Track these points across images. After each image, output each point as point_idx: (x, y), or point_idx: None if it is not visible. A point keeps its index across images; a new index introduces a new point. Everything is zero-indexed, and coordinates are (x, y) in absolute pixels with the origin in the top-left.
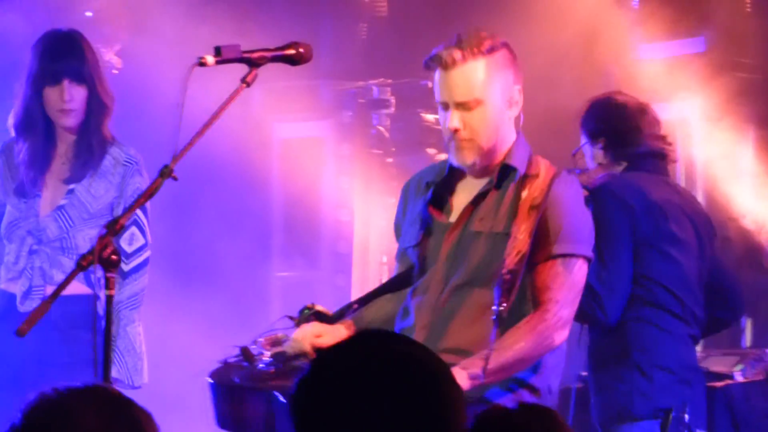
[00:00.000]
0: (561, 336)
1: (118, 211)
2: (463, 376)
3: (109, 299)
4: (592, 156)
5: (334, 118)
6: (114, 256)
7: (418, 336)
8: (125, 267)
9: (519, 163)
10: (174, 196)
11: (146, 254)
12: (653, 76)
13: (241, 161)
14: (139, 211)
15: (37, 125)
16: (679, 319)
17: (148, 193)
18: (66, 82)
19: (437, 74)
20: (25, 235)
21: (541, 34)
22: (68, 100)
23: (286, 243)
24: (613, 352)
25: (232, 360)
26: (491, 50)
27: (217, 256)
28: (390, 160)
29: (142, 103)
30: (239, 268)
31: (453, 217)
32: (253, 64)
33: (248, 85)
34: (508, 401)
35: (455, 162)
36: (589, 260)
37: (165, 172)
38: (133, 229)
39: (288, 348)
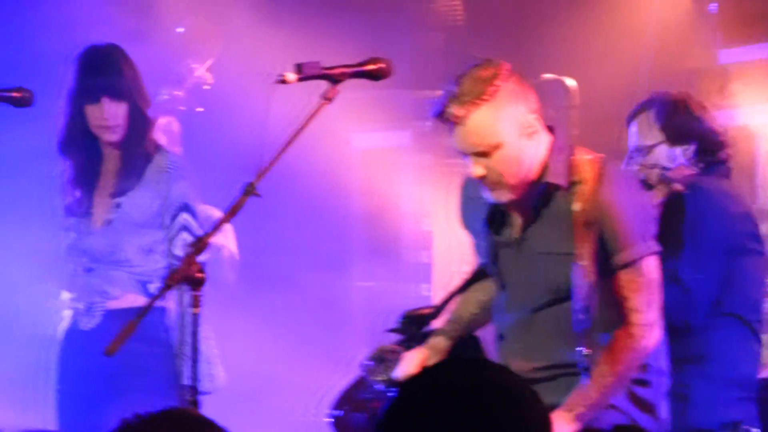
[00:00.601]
0: (653, 338)
1: (167, 220)
2: (569, 418)
3: (195, 318)
4: (670, 156)
5: (413, 127)
6: (199, 274)
7: (517, 358)
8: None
9: (559, 176)
10: (254, 208)
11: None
12: (733, 80)
13: (320, 172)
14: (189, 218)
15: (80, 143)
16: (754, 332)
17: (233, 211)
18: (105, 100)
19: (449, 127)
20: (80, 254)
21: (617, 40)
22: (108, 117)
23: (367, 253)
24: (685, 356)
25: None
26: (492, 93)
27: (298, 266)
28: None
29: (229, 118)
30: (320, 278)
31: (515, 232)
32: (334, 80)
33: (329, 101)
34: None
35: (491, 200)
36: (656, 252)
37: (249, 190)
38: (184, 234)
39: (397, 379)
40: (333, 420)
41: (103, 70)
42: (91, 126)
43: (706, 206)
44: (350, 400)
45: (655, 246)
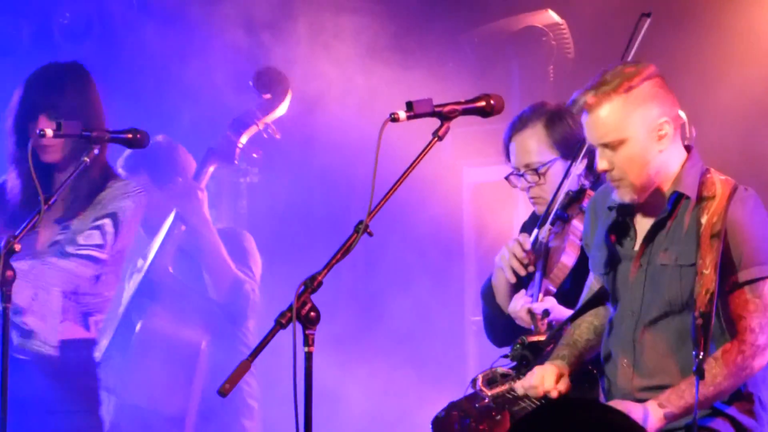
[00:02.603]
0: (761, 362)
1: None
2: (659, 416)
3: (309, 356)
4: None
5: None
6: (312, 313)
7: (623, 375)
8: (70, 249)
9: (689, 188)
10: (366, 242)
11: (94, 252)
12: None
13: (432, 206)
14: (109, 224)
15: (26, 161)
16: None
17: (344, 249)
18: (42, 117)
19: (582, 117)
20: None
21: (730, 69)
22: (41, 135)
23: (479, 287)
24: None
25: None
26: (629, 88)
27: (411, 300)
28: None
29: (342, 157)
30: (434, 312)
31: (637, 244)
32: (445, 117)
33: (440, 139)
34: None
35: (617, 199)
36: None
37: (360, 228)
38: (94, 232)
39: (517, 390)
40: (433, 420)
41: (47, 88)
42: (31, 143)
43: None
44: (455, 407)
45: None
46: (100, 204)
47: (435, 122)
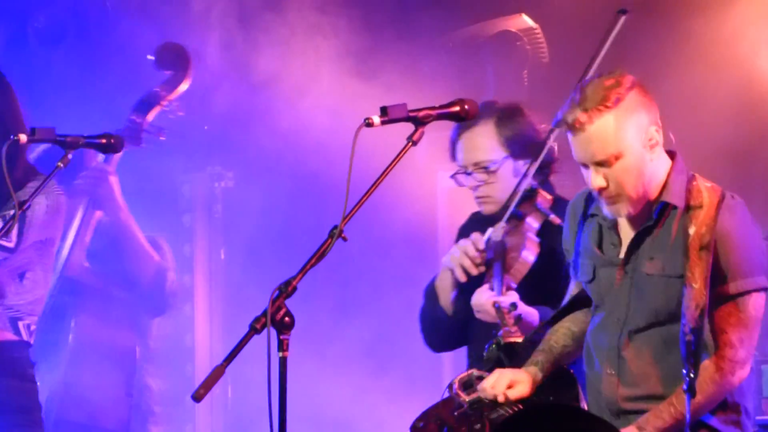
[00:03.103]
0: (741, 376)
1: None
2: None
3: (283, 360)
4: (516, 172)
5: None
6: (287, 318)
7: (608, 385)
8: None
9: (677, 197)
10: (343, 248)
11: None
12: None
13: (406, 211)
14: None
15: None
16: None
17: (319, 254)
18: None
19: (569, 136)
20: None
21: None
22: (15, 141)
23: None
24: None
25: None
26: (617, 100)
27: (384, 305)
28: None
29: (317, 161)
30: (407, 317)
31: (622, 252)
32: (419, 122)
33: (415, 144)
34: None
35: (609, 215)
36: (764, 289)
37: (335, 233)
38: None
39: (482, 394)
40: (411, 429)
41: None
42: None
43: None
44: (431, 415)
45: (763, 282)
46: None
47: (410, 126)
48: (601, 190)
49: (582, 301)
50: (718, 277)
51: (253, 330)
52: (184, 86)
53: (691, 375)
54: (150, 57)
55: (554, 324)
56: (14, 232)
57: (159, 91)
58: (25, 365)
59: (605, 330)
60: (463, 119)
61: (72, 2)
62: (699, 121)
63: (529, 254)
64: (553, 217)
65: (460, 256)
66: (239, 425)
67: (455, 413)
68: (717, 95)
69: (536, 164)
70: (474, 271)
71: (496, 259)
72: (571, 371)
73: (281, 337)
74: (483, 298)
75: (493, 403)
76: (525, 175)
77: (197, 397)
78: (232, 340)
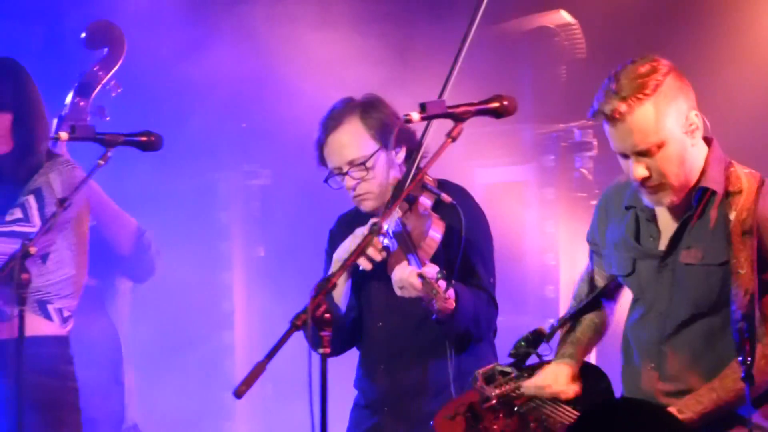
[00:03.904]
0: None
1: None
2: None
3: (324, 357)
4: (390, 163)
5: (536, 161)
6: (327, 315)
7: (647, 379)
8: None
9: (716, 182)
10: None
11: (19, 228)
12: None
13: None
14: (32, 199)
15: None
16: None
17: (359, 250)
18: None
19: (606, 126)
20: None
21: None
22: (56, 139)
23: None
24: None
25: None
26: (656, 87)
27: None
28: (594, 202)
29: None
30: None
31: (662, 244)
32: (458, 119)
33: (453, 140)
34: None
35: (651, 205)
36: None
37: (375, 229)
38: (16, 209)
39: (537, 393)
40: (435, 419)
41: None
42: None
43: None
44: (459, 406)
45: None
46: (29, 184)
47: (447, 123)
48: (643, 180)
49: (604, 294)
50: (761, 262)
51: (294, 327)
52: (119, 61)
53: (747, 362)
54: (82, 35)
55: (578, 316)
56: (36, 214)
57: (97, 70)
58: (60, 362)
59: (646, 324)
60: (502, 115)
61: (105, 5)
62: (735, 119)
63: (436, 232)
64: (444, 196)
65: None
66: (279, 422)
67: (484, 406)
68: (754, 93)
69: (400, 150)
70: (378, 257)
71: (402, 242)
72: (601, 369)
73: (321, 333)
74: (405, 273)
75: (528, 399)
76: (416, 162)
77: (238, 394)
78: (271, 337)
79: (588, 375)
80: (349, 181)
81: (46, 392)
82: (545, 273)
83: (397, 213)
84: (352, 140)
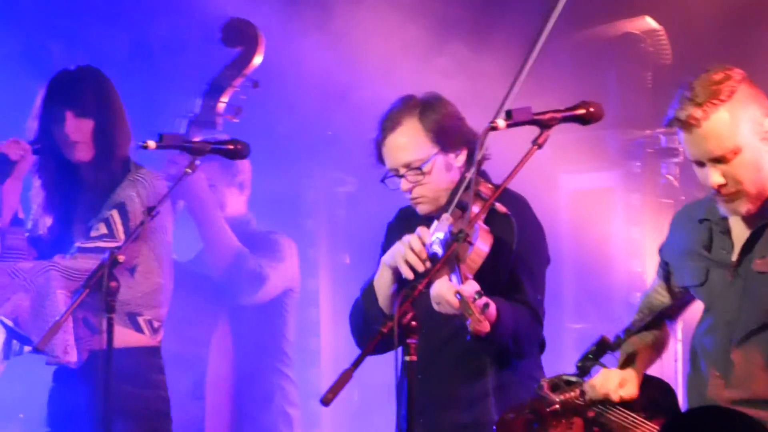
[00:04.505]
0: None
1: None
2: None
3: (411, 365)
4: (448, 166)
5: (622, 167)
6: (414, 322)
7: (714, 387)
8: (80, 244)
9: None
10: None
11: (104, 243)
12: None
13: None
14: (116, 214)
15: (51, 167)
16: None
17: (444, 258)
18: (68, 115)
19: (681, 134)
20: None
21: None
22: (70, 132)
23: (578, 294)
24: None
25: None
26: (730, 93)
27: None
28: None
29: None
30: None
31: (734, 254)
32: (544, 125)
33: (540, 147)
34: None
35: (727, 214)
36: None
37: (460, 236)
38: (100, 224)
39: (591, 394)
40: (498, 421)
41: (68, 90)
42: (59, 146)
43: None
44: (523, 409)
45: None
46: (111, 198)
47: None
48: (719, 188)
49: (665, 313)
50: None
51: (380, 334)
52: (256, 61)
53: None
54: (218, 35)
55: (639, 331)
56: (120, 229)
57: (229, 70)
58: (152, 371)
59: (714, 333)
60: (588, 122)
61: (193, 11)
62: None
63: (484, 244)
64: (499, 206)
65: (405, 252)
66: (365, 430)
67: (547, 410)
68: None
69: (462, 155)
70: (420, 267)
71: (448, 252)
72: (666, 381)
73: (408, 340)
74: (444, 288)
75: (586, 404)
76: (468, 168)
77: (326, 401)
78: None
79: (652, 386)
80: (404, 184)
81: (138, 402)
82: (631, 279)
83: (448, 219)
84: (409, 142)
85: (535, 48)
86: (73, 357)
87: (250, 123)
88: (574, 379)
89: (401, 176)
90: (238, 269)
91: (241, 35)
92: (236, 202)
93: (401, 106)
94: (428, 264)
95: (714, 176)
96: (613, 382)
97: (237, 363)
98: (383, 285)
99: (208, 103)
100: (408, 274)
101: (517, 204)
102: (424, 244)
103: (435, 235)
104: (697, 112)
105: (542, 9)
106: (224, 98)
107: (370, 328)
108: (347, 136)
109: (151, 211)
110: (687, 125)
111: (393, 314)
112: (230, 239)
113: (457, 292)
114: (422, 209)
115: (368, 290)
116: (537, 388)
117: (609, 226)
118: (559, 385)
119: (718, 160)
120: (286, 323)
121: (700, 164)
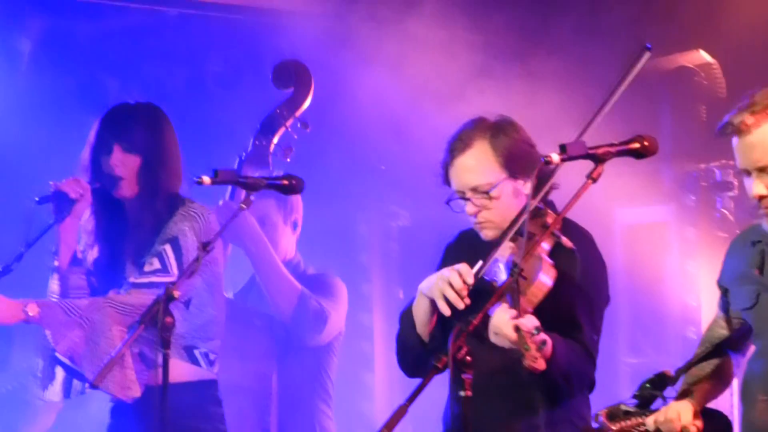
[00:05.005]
0: None
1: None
2: None
3: (466, 400)
4: (516, 192)
5: (677, 201)
6: (468, 357)
7: (760, 412)
8: (134, 279)
9: None
10: None
11: (158, 278)
12: None
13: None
14: (169, 249)
15: (99, 196)
16: None
17: (499, 293)
18: (116, 148)
19: (734, 141)
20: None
21: None
22: (115, 165)
23: (633, 329)
24: None
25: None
26: None
27: None
28: None
29: None
30: None
31: None
32: (599, 160)
33: (594, 181)
34: None
35: None
36: None
37: (515, 272)
38: (154, 259)
39: (664, 427)
40: None
41: (120, 123)
42: (106, 179)
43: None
44: None
45: None
46: (164, 232)
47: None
48: (761, 198)
49: (726, 344)
50: None
51: (435, 369)
52: (306, 103)
53: None
54: (270, 76)
55: (699, 363)
56: (174, 264)
57: (281, 111)
58: (209, 404)
59: (763, 357)
60: (643, 156)
61: (247, 46)
62: None
63: (547, 278)
64: (565, 240)
65: (443, 287)
66: None
67: None
68: None
69: (528, 183)
70: (460, 305)
71: (503, 286)
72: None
73: (463, 376)
74: (503, 320)
75: None
76: (535, 195)
77: None
78: (412, 379)
79: (708, 418)
80: (470, 207)
81: None
82: (686, 314)
83: (511, 248)
84: (478, 165)
85: (612, 97)
86: (135, 392)
87: (304, 157)
88: (632, 409)
89: (467, 199)
90: (305, 311)
91: (292, 77)
92: (289, 242)
93: (472, 127)
94: (467, 301)
95: (757, 186)
96: (688, 414)
97: (281, 399)
98: (420, 312)
99: (260, 143)
100: (445, 311)
101: (583, 240)
102: (465, 283)
103: (497, 263)
104: (749, 119)
105: (624, 60)
106: (275, 138)
107: (410, 354)
108: (401, 170)
109: (206, 246)
110: (738, 130)
111: (423, 340)
112: (291, 282)
113: (516, 326)
114: (487, 234)
115: (406, 315)
116: (594, 417)
117: (664, 260)
118: (617, 414)
119: (763, 170)
120: (331, 364)
121: (747, 173)
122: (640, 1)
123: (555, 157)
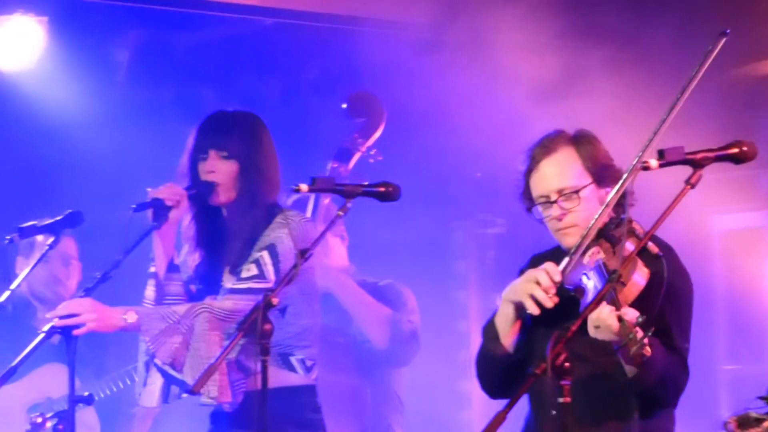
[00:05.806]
0: None
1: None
2: None
3: (565, 407)
4: (600, 201)
5: None
6: (567, 364)
7: None
8: (231, 285)
9: None
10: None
11: (255, 284)
12: None
13: (680, 255)
14: (266, 255)
15: (198, 202)
16: None
17: (599, 299)
18: (212, 153)
19: None
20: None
21: None
22: (211, 169)
23: (731, 335)
24: None
25: None
26: None
27: None
28: None
29: None
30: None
31: None
32: (697, 165)
33: (693, 186)
34: None
35: None
36: None
37: (613, 278)
38: (251, 265)
39: None
40: None
41: (217, 129)
42: (202, 184)
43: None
44: None
45: None
46: (261, 239)
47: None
48: None
49: None
50: None
51: (533, 375)
52: (380, 131)
53: None
54: (343, 105)
55: None
56: (271, 270)
57: (356, 137)
58: (306, 411)
59: None
60: (742, 161)
61: (343, 55)
62: None
63: (640, 278)
64: (651, 246)
65: (532, 287)
66: None
67: None
68: None
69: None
70: (549, 303)
71: (603, 291)
72: None
73: (562, 382)
74: (605, 312)
75: None
76: (625, 198)
77: None
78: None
79: None
80: (556, 210)
81: None
82: None
83: (599, 253)
84: (565, 168)
85: (686, 91)
86: (227, 397)
87: (400, 165)
88: (762, 415)
89: (552, 202)
90: (399, 334)
91: (364, 108)
92: (340, 253)
93: (555, 135)
94: (556, 299)
95: None
96: None
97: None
98: (504, 321)
99: (335, 167)
100: (533, 310)
101: (669, 252)
102: (553, 281)
103: (585, 270)
104: None
105: (698, 53)
106: (351, 164)
107: (494, 370)
108: (496, 178)
109: (304, 253)
110: None
111: (508, 351)
112: (377, 306)
113: (619, 317)
114: (569, 241)
115: (489, 327)
116: (725, 425)
117: (762, 265)
118: (747, 421)
119: None
120: (401, 374)
121: None
122: (733, 7)
123: (653, 163)
